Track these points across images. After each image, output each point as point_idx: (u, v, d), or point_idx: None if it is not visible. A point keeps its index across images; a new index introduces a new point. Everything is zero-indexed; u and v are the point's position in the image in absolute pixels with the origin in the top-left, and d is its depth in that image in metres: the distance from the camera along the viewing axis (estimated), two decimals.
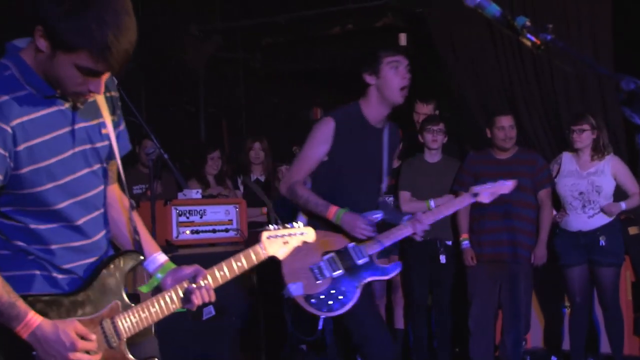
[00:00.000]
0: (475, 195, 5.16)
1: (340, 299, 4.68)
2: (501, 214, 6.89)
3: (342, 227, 4.82)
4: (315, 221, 4.84)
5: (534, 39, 2.81)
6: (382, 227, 4.91)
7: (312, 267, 4.75)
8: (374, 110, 4.99)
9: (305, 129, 5.16)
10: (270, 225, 3.26)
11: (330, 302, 4.68)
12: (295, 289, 4.71)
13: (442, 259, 7.11)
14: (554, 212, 7.01)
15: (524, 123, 8.05)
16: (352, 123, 4.96)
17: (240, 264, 3.13)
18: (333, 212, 4.84)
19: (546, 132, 8.03)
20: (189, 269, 3.07)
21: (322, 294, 4.71)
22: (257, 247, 3.17)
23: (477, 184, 5.43)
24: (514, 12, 7.46)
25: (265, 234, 3.22)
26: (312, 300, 4.68)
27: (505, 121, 7.00)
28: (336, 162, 4.93)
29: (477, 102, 8.26)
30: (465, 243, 7.07)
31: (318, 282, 4.72)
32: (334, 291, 4.70)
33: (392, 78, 4.93)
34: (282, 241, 3.24)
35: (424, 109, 7.69)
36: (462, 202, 5.11)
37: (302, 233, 3.26)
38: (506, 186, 5.26)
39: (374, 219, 4.84)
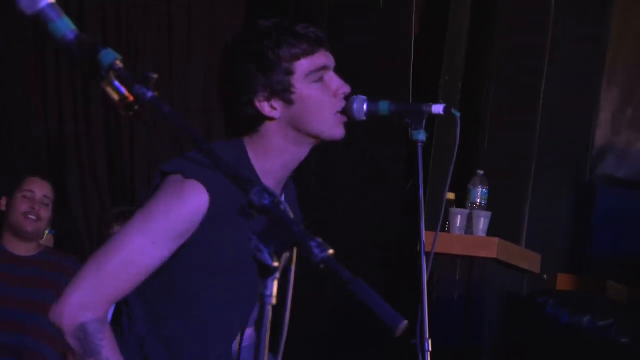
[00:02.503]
0: None
1: None
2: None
3: None
4: None
5: (124, 90, 1.79)
6: None
7: None
8: (280, 158, 2.63)
9: None
10: None
11: None
12: None
13: None
14: None
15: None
16: (231, 192, 2.23)
17: None
18: None
19: None
20: None
21: None
22: None
23: None
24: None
25: None
26: None
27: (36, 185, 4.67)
28: (195, 273, 2.60)
29: None
30: None
31: None
32: None
33: (319, 99, 2.62)
34: None
35: None
36: None
37: None
38: None
39: None
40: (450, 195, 5.16)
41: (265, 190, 1.75)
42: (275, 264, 1.73)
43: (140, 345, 2.56)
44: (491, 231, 5.18)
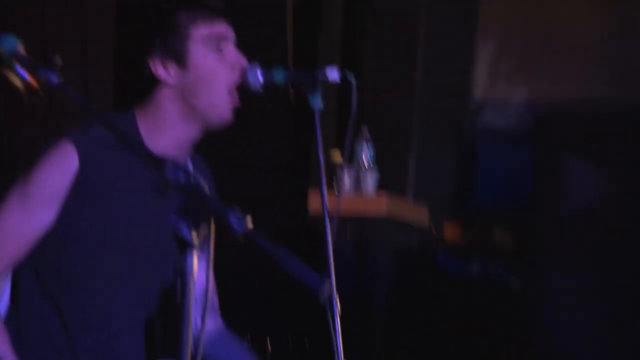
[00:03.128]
0: None
1: None
2: None
3: None
4: None
5: (28, 77, 1.78)
6: None
7: None
8: (169, 133, 2.60)
9: None
10: None
11: None
12: None
13: None
14: None
15: None
16: (117, 160, 2.49)
17: None
18: None
19: None
20: None
21: None
22: None
23: None
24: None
25: None
26: None
27: None
28: (76, 248, 2.55)
29: None
30: None
31: None
32: None
33: (215, 68, 2.64)
34: None
35: None
36: None
37: None
38: None
39: None
40: (337, 156, 5.22)
41: (178, 166, 1.77)
42: (194, 239, 1.76)
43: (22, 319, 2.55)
44: (379, 188, 5.27)
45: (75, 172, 2.46)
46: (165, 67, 2.56)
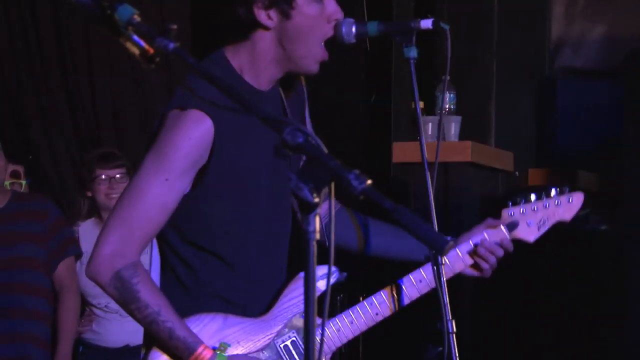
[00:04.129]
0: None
1: None
2: None
3: None
4: None
5: (144, 44, 1.82)
6: None
7: None
8: (262, 73, 2.66)
9: None
10: None
11: None
12: None
13: None
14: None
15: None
16: (238, 120, 2.56)
17: None
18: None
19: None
20: None
21: None
22: None
23: None
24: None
25: None
26: None
27: None
28: (216, 200, 2.62)
29: None
30: None
31: None
32: None
33: (315, 19, 2.64)
34: None
35: None
36: None
37: None
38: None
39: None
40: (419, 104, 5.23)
41: (297, 128, 1.80)
42: (316, 200, 1.78)
43: (177, 277, 2.64)
44: (462, 135, 5.27)
45: (212, 137, 2.54)
46: (267, 13, 2.59)
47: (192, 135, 2.52)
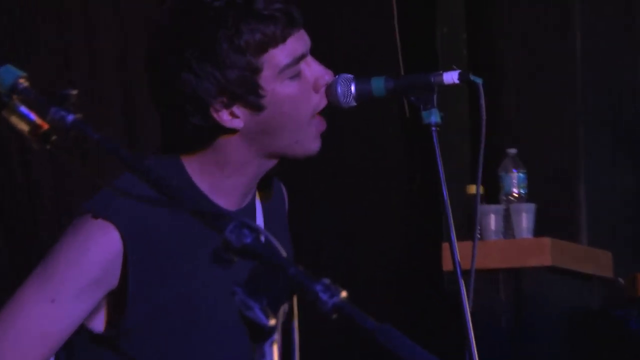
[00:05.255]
0: None
1: None
2: None
3: None
4: None
5: (34, 117, 1.83)
6: None
7: None
8: (233, 178, 2.65)
9: None
10: None
11: None
12: None
13: None
14: None
15: None
16: (166, 221, 2.57)
17: None
18: None
19: None
20: None
21: None
22: None
23: None
24: None
25: None
26: None
27: None
28: (143, 343, 2.60)
29: None
30: None
31: None
32: None
33: (296, 99, 2.62)
34: None
35: None
36: None
37: None
38: None
39: None
40: (473, 189, 5.21)
41: (244, 224, 1.78)
42: (272, 322, 1.76)
43: None
44: (539, 229, 5.24)
45: (121, 255, 2.52)
46: (231, 112, 2.56)
47: (92, 249, 2.52)
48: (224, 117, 2.56)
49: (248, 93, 2.54)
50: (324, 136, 2.70)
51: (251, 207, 2.71)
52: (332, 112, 2.69)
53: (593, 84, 5.72)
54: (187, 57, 2.54)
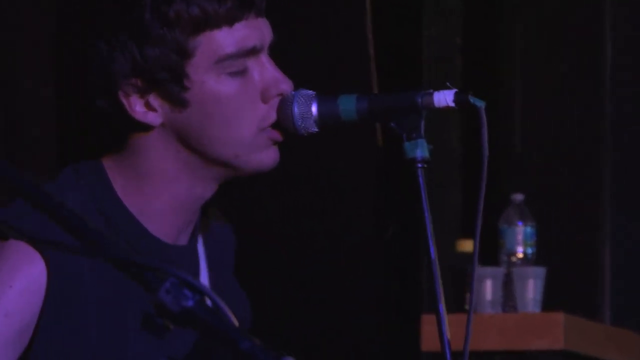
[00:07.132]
0: None
1: None
2: None
3: None
4: None
5: None
6: None
7: None
8: (163, 195, 2.71)
9: None
10: None
11: None
12: None
13: None
14: None
15: None
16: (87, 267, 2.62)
17: None
18: None
19: None
20: None
21: None
22: None
23: None
24: None
25: None
26: None
27: None
28: None
29: None
30: None
31: None
32: None
33: (238, 101, 2.64)
34: None
35: None
36: None
37: None
38: None
39: None
40: (465, 245, 5.27)
41: (184, 282, 1.81)
42: None
43: None
44: (549, 302, 5.30)
45: (44, 293, 2.55)
46: (146, 102, 2.61)
47: (11, 285, 2.55)
48: (136, 107, 2.60)
49: (169, 80, 2.58)
50: (270, 175, 2.74)
51: (192, 249, 2.74)
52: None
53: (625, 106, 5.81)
54: (104, 21, 2.57)
